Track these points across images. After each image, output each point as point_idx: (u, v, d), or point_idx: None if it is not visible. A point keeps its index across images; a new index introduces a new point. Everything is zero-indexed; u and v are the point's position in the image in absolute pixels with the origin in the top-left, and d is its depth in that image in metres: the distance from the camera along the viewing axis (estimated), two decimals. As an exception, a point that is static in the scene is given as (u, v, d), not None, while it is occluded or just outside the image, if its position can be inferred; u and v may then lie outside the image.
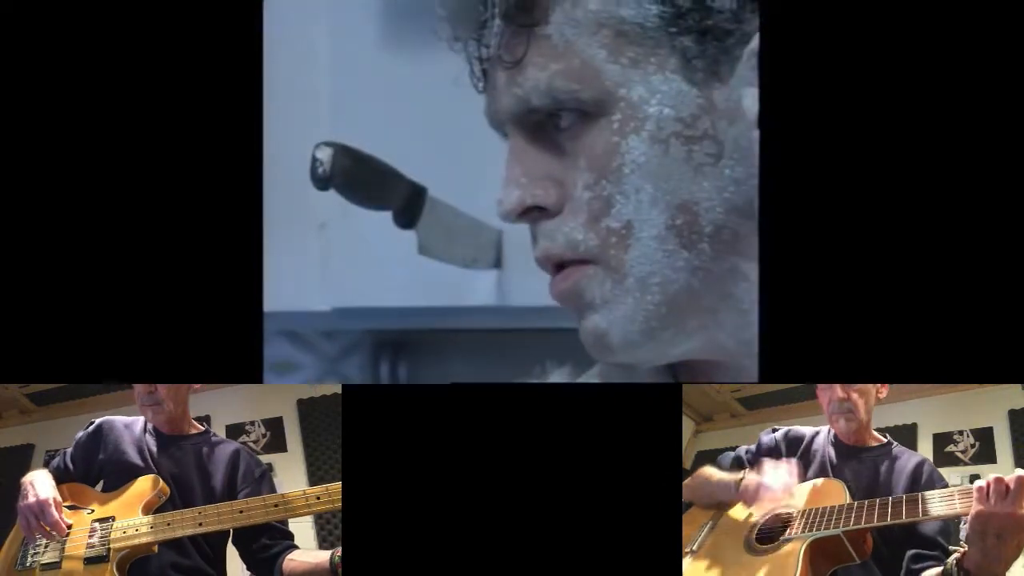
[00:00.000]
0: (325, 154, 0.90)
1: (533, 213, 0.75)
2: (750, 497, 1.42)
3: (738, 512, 1.46)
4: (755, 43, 0.75)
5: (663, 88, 0.69)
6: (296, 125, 1.06)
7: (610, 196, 0.71)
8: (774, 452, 1.51)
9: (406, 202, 0.97)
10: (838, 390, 1.46)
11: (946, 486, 1.38)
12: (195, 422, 1.59)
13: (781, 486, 1.40)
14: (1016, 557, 1.20)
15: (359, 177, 0.92)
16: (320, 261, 1.05)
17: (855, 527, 1.31)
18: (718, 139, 0.73)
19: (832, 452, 1.47)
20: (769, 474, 1.42)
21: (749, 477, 1.44)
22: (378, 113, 1.09)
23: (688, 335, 0.77)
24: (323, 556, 1.45)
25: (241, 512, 1.45)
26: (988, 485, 1.18)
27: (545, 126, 0.72)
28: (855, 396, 1.45)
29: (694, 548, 1.43)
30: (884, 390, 1.48)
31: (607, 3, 0.67)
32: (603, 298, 0.75)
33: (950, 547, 1.30)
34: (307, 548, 1.58)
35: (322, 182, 0.90)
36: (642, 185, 0.70)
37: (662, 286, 0.74)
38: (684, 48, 0.69)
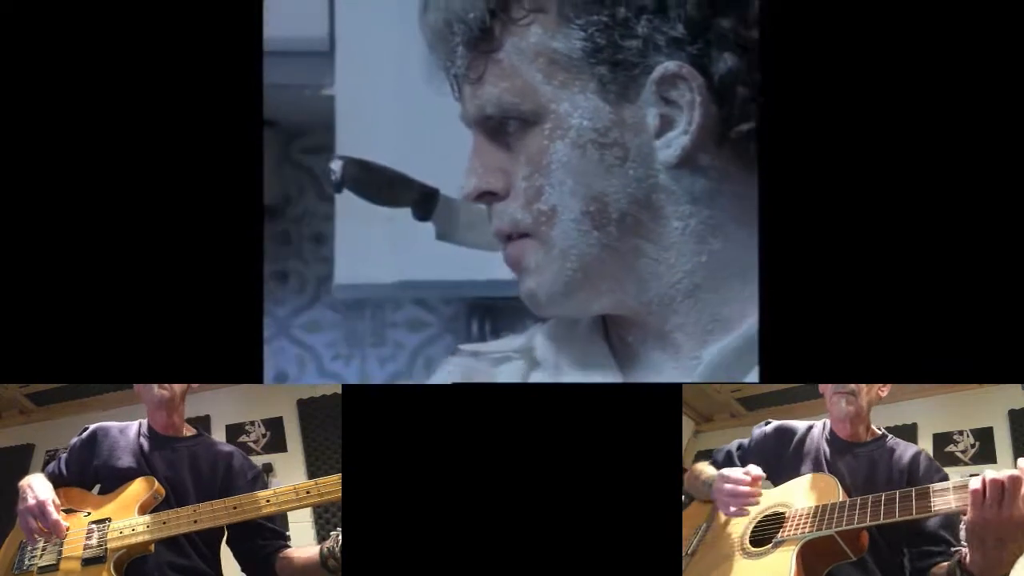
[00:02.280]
0: (336, 165, 1.05)
1: (486, 197, 0.95)
2: (718, 501, 1.41)
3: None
4: (658, 72, 0.89)
5: (584, 104, 0.88)
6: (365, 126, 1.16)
7: (541, 186, 0.91)
8: (764, 446, 1.51)
9: (419, 201, 1.08)
10: (839, 386, 1.45)
11: (945, 477, 1.37)
12: (188, 425, 1.60)
13: (739, 492, 1.38)
14: (1019, 556, 1.20)
15: (368, 183, 1.07)
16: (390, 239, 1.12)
17: (848, 527, 1.31)
18: (625, 146, 0.90)
19: (827, 448, 1.46)
20: (732, 481, 1.39)
21: (718, 481, 1.42)
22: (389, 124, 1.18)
23: (599, 295, 0.95)
24: (315, 550, 1.46)
25: (235, 508, 1.46)
26: (983, 487, 1.16)
27: (497, 129, 0.92)
28: (860, 391, 1.44)
29: (688, 552, 1.43)
30: (885, 389, 1.47)
31: (544, 38, 0.88)
32: (536, 264, 0.94)
33: (954, 542, 1.29)
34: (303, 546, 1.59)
35: (336, 187, 1.06)
36: (565, 179, 0.90)
37: (579, 258, 0.92)
38: (601, 75, 0.88)
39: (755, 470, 1.38)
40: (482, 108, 0.92)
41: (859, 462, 1.43)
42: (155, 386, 1.56)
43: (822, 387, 1.49)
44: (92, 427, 1.59)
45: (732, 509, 1.37)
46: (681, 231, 0.91)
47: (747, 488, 1.35)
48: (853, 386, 1.44)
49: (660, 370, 1.01)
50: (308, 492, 1.46)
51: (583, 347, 1.02)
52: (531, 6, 0.87)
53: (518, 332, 1.09)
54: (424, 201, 1.08)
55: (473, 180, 0.94)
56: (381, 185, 1.07)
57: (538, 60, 0.88)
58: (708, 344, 0.97)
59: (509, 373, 1.08)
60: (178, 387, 1.57)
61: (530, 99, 0.89)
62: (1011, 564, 1.19)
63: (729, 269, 0.93)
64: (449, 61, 0.92)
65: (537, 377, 1.07)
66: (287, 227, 1.60)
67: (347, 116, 1.26)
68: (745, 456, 1.52)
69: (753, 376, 0.98)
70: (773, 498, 1.42)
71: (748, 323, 0.95)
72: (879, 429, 1.48)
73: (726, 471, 1.40)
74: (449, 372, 1.12)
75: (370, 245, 1.29)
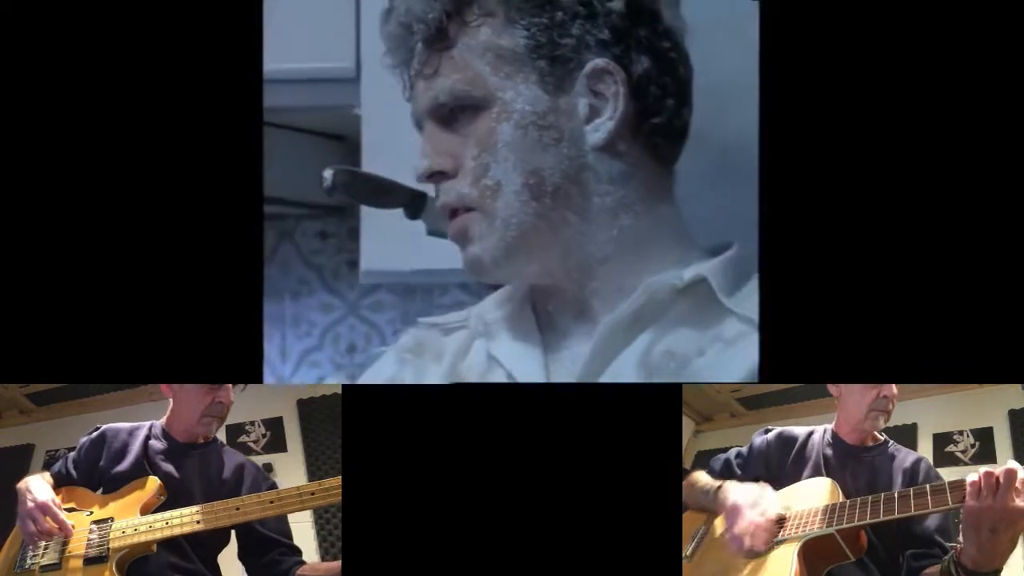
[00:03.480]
0: (328, 174, 1.17)
1: (436, 176, 1.07)
2: (725, 513, 1.40)
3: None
4: (589, 67, 1.04)
5: (526, 93, 1.02)
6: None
7: (487, 163, 1.03)
8: (765, 454, 1.50)
9: (409, 203, 1.19)
10: (892, 388, 1.44)
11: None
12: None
13: (752, 507, 1.38)
14: (1012, 549, 1.21)
15: (356, 188, 1.20)
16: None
17: (848, 525, 1.31)
18: (560, 129, 1.03)
19: (830, 452, 1.46)
20: (740, 496, 1.39)
21: (724, 492, 1.42)
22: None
23: (531, 261, 1.07)
24: (334, 567, 1.45)
25: (238, 509, 1.45)
26: (979, 480, 1.18)
27: (448, 117, 1.05)
28: (891, 396, 1.44)
29: (688, 555, 1.43)
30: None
31: (492, 36, 1.01)
32: (480, 233, 1.05)
33: (949, 544, 1.30)
34: (308, 548, 1.59)
35: (328, 192, 1.17)
36: (508, 155, 1.02)
37: (518, 226, 1.04)
38: (540, 68, 1.02)
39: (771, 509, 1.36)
40: (436, 98, 1.04)
41: (861, 467, 1.44)
42: (214, 423, 1.53)
43: (836, 390, 1.48)
44: (102, 427, 1.58)
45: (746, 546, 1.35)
46: (600, 207, 1.04)
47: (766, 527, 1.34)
48: (892, 402, 1.44)
49: (572, 335, 1.13)
50: (312, 494, 1.45)
51: (514, 317, 1.14)
52: (481, 10, 1.02)
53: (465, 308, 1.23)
54: (413, 203, 1.19)
55: (425, 162, 1.06)
56: (368, 190, 1.20)
57: (487, 55, 1.02)
58: (615, 310, 1.09)
59: (456, 341, 1.19)
60: (225, 397, 1.53)
61: (479, 87, 1.02)
62: (1004, 556, 1.20)
63: (635, 244, 1.06)
64: (406, 63, 1.06)
65: (478, 345, 1.17)
66: (355, 224, 1.73)
67: (373, 132, 1.45)
68: (746, 465, 1.51)
69: (739, 373, 1.07)
70: (773, 501, 1.42)
71: (641, 289, 1.07)
72: (880, 435, 1.48)
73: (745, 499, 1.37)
74: (404, 340, 1.23)
75: (390, 237, 1.42)
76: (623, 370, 1.07)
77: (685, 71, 1.07)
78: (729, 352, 1.05)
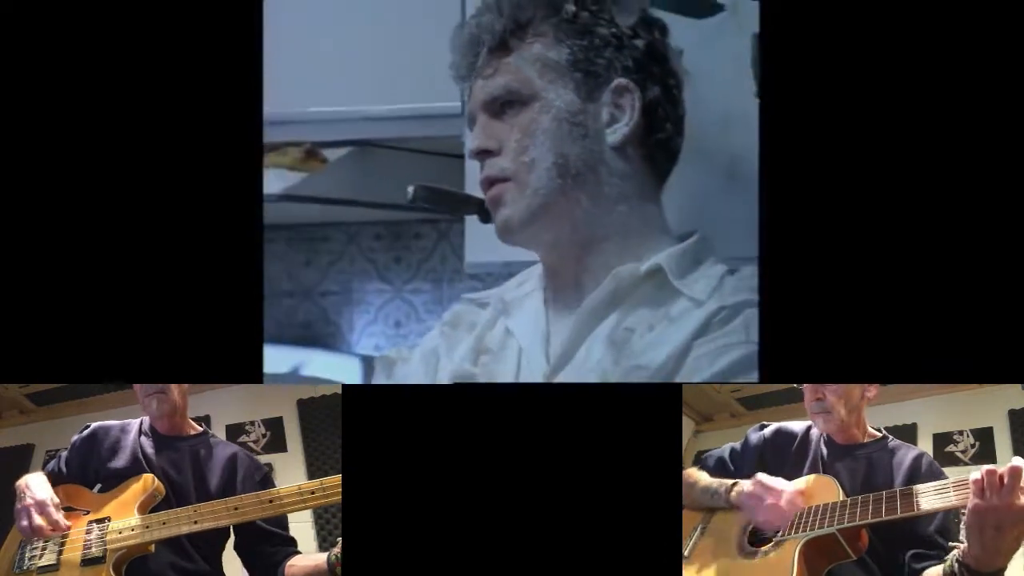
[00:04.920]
0: (410, 189, 1.40)
1: (483, 153, 1.30)
2: (750, 507, 1.39)
3: (728, 515, 1.44)
4: (615, 83, 1.28)
5: (564, 95, 1.27)
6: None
7: (527, 145, 1.26)
8: (762, 451, 1.50)
9: (480, 212, 1.39)
10: (812, 390, 1.44)
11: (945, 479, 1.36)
12: (193, 423, 1.59)
13: (784, 496, 1.37)
14: (1016, 548, 1.20)
15: (433, 200, 1.42)
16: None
17: (849, 524, 1.30)
18: (586, 127, 1.27)
19: (825, 450, 1.45)
20: (770, 485, 1.39)
21: (744, 485, 1.42)
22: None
23: (548, 229, 1.29)
24: (322, 558, 1.45)
25: (236, 509, 1.45)
26: (983, 477, 1.17)
27: (498, 111, 1.29)
28: (831, 397, 1.42)
29: (686, 554, 1.42)
30: (872, 390, 1.45)
31: (541, 50, 1.27)
32: (512, 199, 1.28)
33: (950, 544, 1.28)
34: (307, 549, 1.58)
35: (410, 202, 1.41)
36: (544, 141, 1.26)
37: (544, 195, 1.27)
38: (577, 79, 1.27)
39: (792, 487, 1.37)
40: (491, 93, 1.28)
41: (858, 464, 1.42)
42: (153, 400, 1.54)
43: (805, 397, 1.47)
44: (93, 425, 1.58)
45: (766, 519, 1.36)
46: (606, 195, 1.27)
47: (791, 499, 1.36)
48: (825, 403, 1.42)
49: (568, 312, 1.32)
50: (312, 492, 1.45)
51: (527, 297, 1.37)
52: (535, 31, 1.28)
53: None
54: (484, 212, 1.37)
55: (477, 142, 1.30)
56: (442, 201, 1.44)
57: (536, 64, 1.27)
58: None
59: (487, 315, 1.40)
60: (176, 392, 1.55)
61: (528, 87, 1.27)
62: (1008, 555, 1.20)
63: (626, 231, 1.28)
64: (469, 67, 1.31)
65: (501, 320, 1.38)
66: (397, 228, 2.24)
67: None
68: (740, 460, 1.50)
69: (671, 346, 1.23)
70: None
71: (610, 276, 1.28)
72: (879, 430, 1.47)
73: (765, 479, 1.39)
74: (445, 316, 1.46)
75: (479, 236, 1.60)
76: (595, 344, 1.28)
77: (682, 108, 1.31)
78: (672, 328, 1.25)
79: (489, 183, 1.30)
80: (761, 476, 1.41)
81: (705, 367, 1.21)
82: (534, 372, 1.32)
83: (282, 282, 2.23)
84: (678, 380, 1.22)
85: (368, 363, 2.10)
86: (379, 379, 1.46)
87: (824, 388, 1.42)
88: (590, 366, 1.27)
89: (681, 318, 1.25)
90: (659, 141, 1.28)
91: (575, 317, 1.29)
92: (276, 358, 1.80)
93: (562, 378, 1.29)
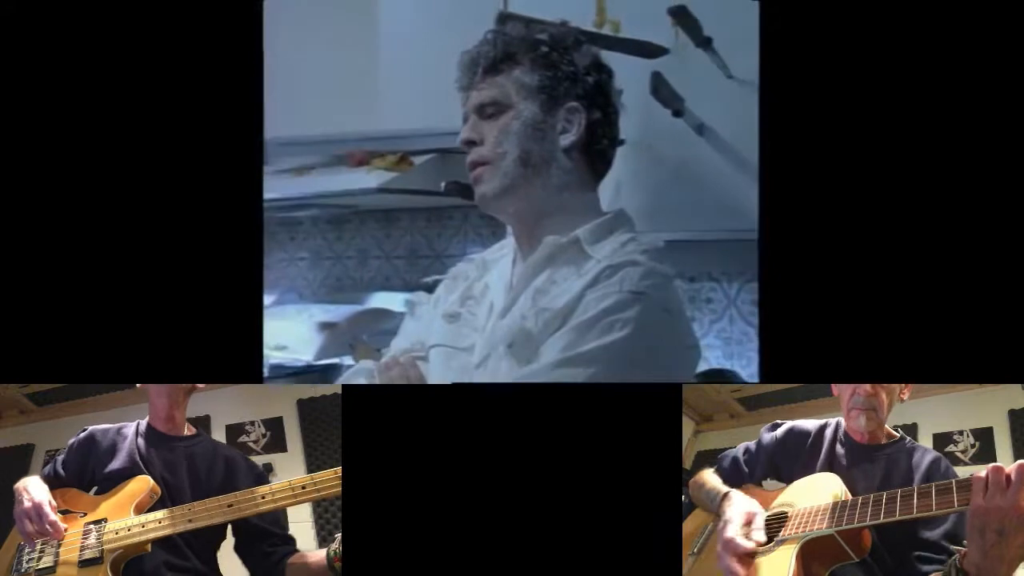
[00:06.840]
0: (443, 184, 1.89)
1: (470, 143, 1.62)
2: (721, 524, 1.40)
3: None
4: (569, 104, 1.60)
5: (531, 108, 1.59)
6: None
7: (501, 140, 1.59)
8: (775, 451, 1.49)
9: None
10: (866, 385, 1.40)
11: None
12: (189, 424, 1.60)
13: (744, 520, 1.38)
14: (1021, 558, 1.14)
15: (463, 193, 1.76)
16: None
17: (848, 527, 1.29)
18: (546, 132, 1.59)
19: (842, 450, 1.43)
20: (738, 507, 1.40)
21: (727, 502, 1.42)
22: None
23: (513, 203, 1.60)
24: (322, 554, 1.46)
25: (230, 506, 1.46)
26: (987, 476, 1.13)
27: (484, 113, 1.61)
28: (882, 394, 1.39)
29: (695, 551, 1.42)
30: (907, 391, 1.43)
31: (521, 76, 1.61)
32: (488, 178, 1.60)
33: (954, 548, 1.23)
34: (307, 547, 1.58)
35: (444, 194, 1.88)
36: (514, 139, 1.59)
37: (512, 179, 1.59)
38: (541, 98, 1.60)
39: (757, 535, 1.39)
40: (481, 100, 1.62)
41: (876, 465, 1.40)
42: (163, 389, 1.55)
43: (836, 389, 1.45)
44: (90, 428, 1.58)
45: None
46: (555, 183, 1.59)
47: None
48: (875, 400, 1.40)
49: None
50: (304, 488, 1.45)
51: (500, 260, 1.68)
52: (518, 61, 1.62)
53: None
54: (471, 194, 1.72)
55: (466, 134, 1.62)
56: (464, 192, 1.74)
57: (515, 84, 1.61)
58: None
59: (474, 270, 1.70)
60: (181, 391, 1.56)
61: (507, 99, 1.61)
62: (1012, 563, 1.14)
63: (568, 210, 1.58)
64: (469, 81, 1.65)
65: (483, 275, 1.68)
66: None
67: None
68: (754, 462, 1.50)
69: (569, 295, 1.48)
70: (778, 498, 1.41)
71: (543, 243, 1.58)
72: (896, 431, 1.45)
73: (731, 526, 1.39)
74: (451, 270, 1.74)
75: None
76: (528, 292, 1.56)
77: (616, 130, 1.65)
78: (577, 281, 1.51)
79: (473, 165, 1.65)
80: (731, 504, 1.43)
81: (592, 307, 1.46)
82: (495, 312, 1.62)
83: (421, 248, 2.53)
84: (573, 321, 1.45)
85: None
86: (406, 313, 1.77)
87: (877, 385, 1.39)
88: (521, 307, 1.57)
89: (585, 275, 1.54)
90: (597, 151, 1.62)
91: (519, 271, 1.63)
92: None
93: (509, 317, 1.58)
